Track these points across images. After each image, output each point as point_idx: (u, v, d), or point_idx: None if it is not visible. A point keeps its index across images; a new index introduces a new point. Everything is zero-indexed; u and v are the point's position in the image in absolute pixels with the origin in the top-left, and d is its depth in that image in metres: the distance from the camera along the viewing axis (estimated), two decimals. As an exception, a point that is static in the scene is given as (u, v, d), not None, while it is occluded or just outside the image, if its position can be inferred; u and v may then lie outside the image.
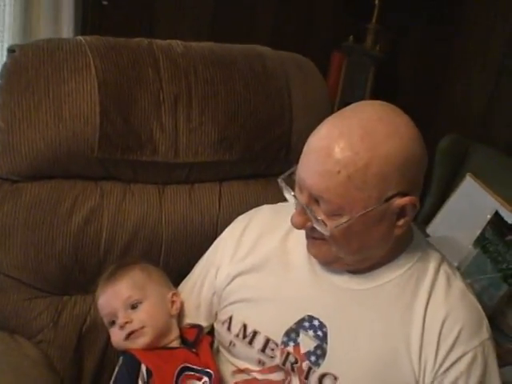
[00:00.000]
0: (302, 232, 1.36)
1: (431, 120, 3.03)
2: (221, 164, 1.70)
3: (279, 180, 1.29)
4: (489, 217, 2.28)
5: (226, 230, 1.53)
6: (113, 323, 1.40)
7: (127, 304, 1.39)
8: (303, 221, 1.25)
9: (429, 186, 2.75)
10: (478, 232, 2.28)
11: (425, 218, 2.71)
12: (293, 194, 1.26)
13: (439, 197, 2.69)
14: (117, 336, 1.38)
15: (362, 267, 1.31)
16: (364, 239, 1.23)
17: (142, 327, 1.37)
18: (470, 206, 2.47)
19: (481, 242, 2.26)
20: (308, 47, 2.28)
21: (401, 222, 1.23)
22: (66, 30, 2.54)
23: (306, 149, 1.24)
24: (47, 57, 1.56)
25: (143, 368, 1.30)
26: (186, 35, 1.87)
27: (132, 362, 1.32)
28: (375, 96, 1.29)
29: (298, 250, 1.38)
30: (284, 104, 1.75)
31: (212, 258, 1.51)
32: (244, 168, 1.76)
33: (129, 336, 1.36)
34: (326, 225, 1.20)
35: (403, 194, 1.20)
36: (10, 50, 1.58)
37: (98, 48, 1.60)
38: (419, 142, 1.23)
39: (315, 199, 1.21)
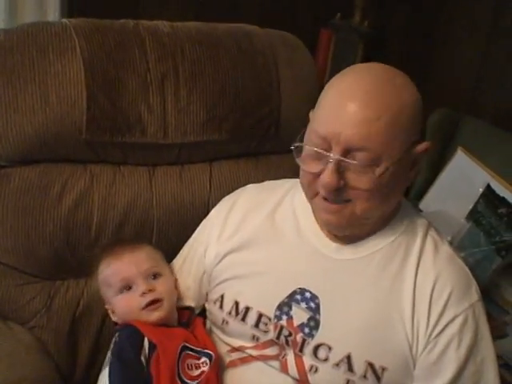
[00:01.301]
0: (289, 207, 1.38)
1: (421, 95, 3.02)
2: (210, 143, 1.70)
3: (293, 145, 1.27)
4: (481, 190, 2.28)
5: (213, 210, 1.54)
6: (129, 289, 1.37)
7: (149, 273, 1.38)
8: (337, 179, 1.20)
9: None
10: (471, 206, 2.29)
11: (417, 193, 2.71)
12: (320, 150, 1.21)
13: (431, 172, 2.68)
14: (134, 303, 1.35)
15: (375, 227, 1.31)
16: (394, 189, 1.25)
17: (162, 299, 1.36)
18: (461, 179, 2.47)
19: (473, 215, 2.26)
20: (295, 25, 2.27)
21: (412, 173, 1.27)
22: (52, 15, 2.51)
23: (330, 102, 1.24)
24: (32, 40, 1.54)
25: (146, 342, 1.29)
26: (173, 16, 1.85)
27: (135, 334, 1.30)
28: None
29: (285, 224, 1.38)
30: (272, 81, 1.74)
31: (200, 239, 1.51)
32: (234, 147, 1.75)
33: (149, 305, 1.34)
34: (374, 174, 1.19)
35: (419, 141, 1.25)
36: (-6, 34, 1.56)
37: (83, 30, 1.58)
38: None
39: (348, 153, 1.19)
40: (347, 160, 1.19)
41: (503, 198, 2.22)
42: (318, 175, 1.24)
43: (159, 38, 1.65)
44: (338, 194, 1.23)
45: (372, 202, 1.23)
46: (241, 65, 1.71)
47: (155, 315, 1.35)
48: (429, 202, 2.59)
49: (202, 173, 1.72)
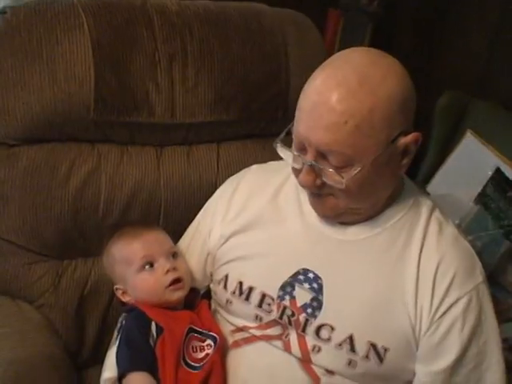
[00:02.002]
0: (293, 187, 1.38)
1: (430, 77, 3.00)
2: (218, 124, 1.69)
3: (275, 144, 1.28)
4: (490, 173, 2.27)
5: (217, 191, 1.54)
6: (151, 266, 1.36)
7: (170, 252, 1.39)
8: (312, 179, 1.23)
9: (428, 144, 2.73)
10: (479, 189, 2.27)
11: (425, 176, 2.69)
12: (296, 153, 1.24)
13: (439, 155, 2.66)
14: (158, 280, 1.35)
15: (365, 216, 1.31)
16: (375, 184, 1.24)
17: (183, 279, 1.37)
18: (470, 162, 2.45)
19: (482, 198, 2.25)
20: (303, 5, 2.24)
21: (405, 161, 1.25)
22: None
23: (303, 105, 1.22)
24: (39, 18, 1.53)
25: (153, 326, 1.30)
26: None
27: (142, 319, 1.31)
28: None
29: (289, 205, 1.39)
30: (281, 62, 1.73)
31: (204, 220, 1.51)
32: (242, 128, 1.74)
33: (172, 284, 1.34)
34: (342, 177, 1.19)
35: (406, 133, 1.21)
36: (2, 12, 1.54)
37: (90, 7, 1.57)
38: (408, 78, 1.24)
39: (322, 154, 1.20)
40: (317, 165, 1.20)
41: (512, 182, 2.21)
42: (300, 171, 1.26)
43: (167, 16, 1.64)
44: (319, 189, 1.26)
45: (353, 198, 1.25)
46: (249, 44, 1.69)
47: (177, 294, 1.36)
48: (437, 185, 2.58)
49: (209, 153, 1.72)
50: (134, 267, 1.37)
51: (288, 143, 1.28)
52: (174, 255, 1.40)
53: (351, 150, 1.17)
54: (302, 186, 1.27)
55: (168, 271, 1.35)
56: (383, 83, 1.18)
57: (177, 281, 1.35)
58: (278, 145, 1.28)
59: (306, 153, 1.22)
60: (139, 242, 1.39)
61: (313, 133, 1.19)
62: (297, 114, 1.24)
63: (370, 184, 1.22)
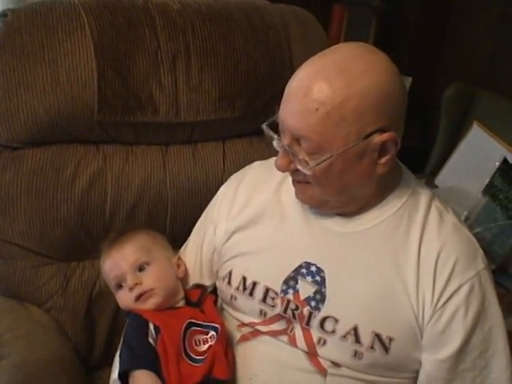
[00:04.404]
0: None
1: (436, 70, 2.99)
2: (223, 122, 1.69)
3: (263, 126, 1.30)
4: (497, 164, 2.26)
5: (221, 188, 1.54)
6: (120, 286, 1.39)
7: (135, 266, 1.38)
8: (286, 163, 1.26)
9: (436, 136, 2.73)
10: (487, 180, 2.27)
11: (433, 168, 2.69)
12: (277, 137, 1.27)
13: (447, 146, 2.66)
14: (126, 298, 1.38)
15: (350, 209, 1.32)
16: (346, 178, 1.24)
17: (152, 289, 1.36)
18: (478, 154, 2.45)
19: (490, 189, 2.24)
20: (308, 1, 2.24)
21: (383, 160, 1.24)
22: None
23: (286, 91, 1.25)
24: (41, 20, 1.53)
25: (151, 326, 1.31)
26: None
27: (139, 321, 1.32)
28: (378, 48, 1.28)
29: (291, 200, 1.39)
30: (284, 57, 1.73)
31: (209, 217, 1.52)
32: (247, 125, 1.74)
33: (139, 298, 1.36)
34: (307, 163, 1.21)
35: (382, 131, 1.20)
36: (3, 15, 1.54)
37: (92, 8, 1.57)
38: (396, 78, 1.23)
39: (297, 140, 1.22)
40: (290, 149, 1.23)
41: (520, 172, 2.20)
42: None
43: (169, 15, 1.64)
44: (296, 175, 1.29)
45: (325, 189, 1.26)
46: (252, 41, 1.69)
47: (150, 303, 1.36)
48: (445, 177, 2.58)
49: (215, 151, 1.72)
50: (111, 286, 1.42)
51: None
52: (144, 267, 1.39)
53: (320, 137, 1.19)
54: (277, 168, 1.28)
55: (131, 288, 1.36)
56: (361, 78, 1.18)
57: (142, 294, 1.36)
58: (267, 130, 1.30)
59: (283, 136, 1.25)
60: (109, 262, 1.41)
61: (288, 117, 1.22)
62: (282, 99, 1.27)
63: (339, 176, 1.23)
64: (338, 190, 1.27)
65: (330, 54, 1.25)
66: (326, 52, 1.26)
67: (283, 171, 1.30)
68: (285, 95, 1.24)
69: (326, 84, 1.17)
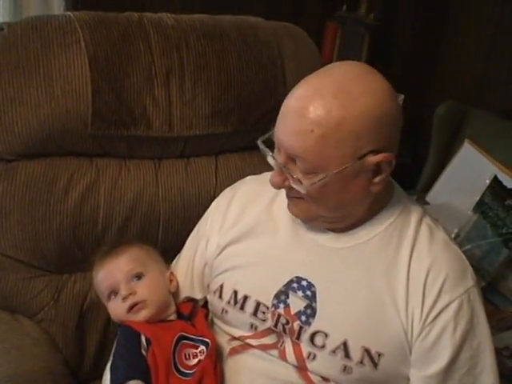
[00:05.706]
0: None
1: (428, 88, 3.01)
2: (216, 137, 1.70)
3: (258, 142, 1.30)
4: (488, 182, 2.27)
5: (213, 203, 1.55)
6: (112, 296, 1.39)
7: (130, 276, 1.39)
8: (281, 180, 1.26)
9: (427, 154, 2.74)
10: (478, 197, 2.28)
11: (424, 185, 2.70)
12: (271, 154, 1.28)
13: (438, 164, 2.68)
14: (119, 308, 1.38)
15: (342, 225, 1.33)
16: (340, 196, 1.25)
17: (145, 300, 1.37)
18: (468, 171, 2.46)
19: (480, 207, 2.25)
20: (301, 18, 2.26)
21: (377, 179, 1.25)
22: (57, 9, 2.50)
23: (282, 110, 1.25)
24: (36, 33, 1.54)
25: (143, 338, 1.31)
26: (177, 8, 1.85)
27: (130, 333, 1.32)
28: (370, 65, 1.28)
29: (282, 214, 1.39)
30: (277, 74, 1.74)
31: (202, 231, 1.52)
32: (239, 140, 1.75)
33: (131, 308, 1.36)
34: (302, 183, 1.22)
35: (377, 152, 1.21)
36: (-1, 29, 1.56)
37: (87, 23, 1.58)
38: (393, 99, 1.24)
39: (292, 159, 1.23)
40: (286, 168, 1.24)
41: (510, 190, 2.22)
42: None
43: (163, 30, 1.65)
44: (290, 190, 1.29)
45: (321, 206, 1.27)
46: (246, 57, 1.70)
47: (142, 314, 1.36)
48: (436, 194, 2.59)
49: (207, 166, 1.73)
50: (104, 296, 1.42)
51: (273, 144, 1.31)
52: (137, 277, 1.40)
53: (315, 158, 1.19)
54: (272, 185, 1.29)
55: (125, 298, 1.36)
56: (358, 100, 1.18)
57: (136, 304, 1.36)
58: (262, 146, 1.30)
59: (279, 154, 1.25)
60: (104, 272, 1.41)
61: (284, 137, 1.23)
62: (278, 117, 1.27)
63: (334, 194, 1.24)
64: (333, 208, 1.28)
65: (326, 74, 1.25)
66: (323, 71, 1.27)
67: (278, 188, 1.31)
68: (281, 114, 1.25)
69: (322, 105, 1.17)
